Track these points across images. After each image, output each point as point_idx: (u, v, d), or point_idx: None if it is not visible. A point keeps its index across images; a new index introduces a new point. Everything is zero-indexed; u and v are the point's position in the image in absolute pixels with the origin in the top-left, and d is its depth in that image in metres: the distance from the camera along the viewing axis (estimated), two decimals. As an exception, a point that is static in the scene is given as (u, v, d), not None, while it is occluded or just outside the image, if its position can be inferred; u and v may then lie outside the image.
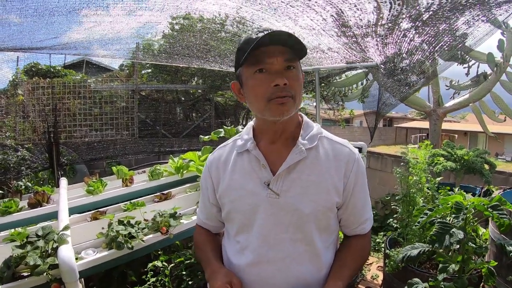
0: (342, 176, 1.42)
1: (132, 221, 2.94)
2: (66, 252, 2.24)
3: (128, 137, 9.37)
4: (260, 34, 1.26)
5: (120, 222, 2.86)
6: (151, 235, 2.86)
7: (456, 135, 28.08)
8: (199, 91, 11.03)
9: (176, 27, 6.78)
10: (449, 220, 2.31)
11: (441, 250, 2.32)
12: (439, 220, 2.25)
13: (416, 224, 2.48)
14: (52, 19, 3.60)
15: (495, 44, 7.65)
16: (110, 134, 9.23)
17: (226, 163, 1.53)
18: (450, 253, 2.53)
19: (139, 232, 2.80)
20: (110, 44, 5.07)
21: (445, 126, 29.47)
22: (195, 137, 9.52)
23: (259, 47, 1.27)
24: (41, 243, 2.32)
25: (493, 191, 5.89)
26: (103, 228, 2.85)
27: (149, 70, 11.53)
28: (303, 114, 1.55)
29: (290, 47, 1.30)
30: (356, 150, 1.49)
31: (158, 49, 6.79)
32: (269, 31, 1.27)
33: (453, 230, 2.16)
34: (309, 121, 1.52)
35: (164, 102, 10.56)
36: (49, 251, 2.35)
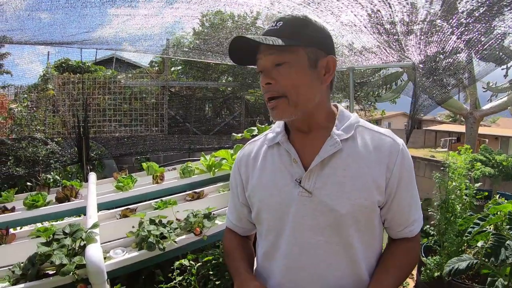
0: (384, 170, 1.24)
1: (164, 221, 2.84)
2: (94, 252, 2.15)
3: (157, 133, 9.38)
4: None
5: (152, 222, 2.76)
6: (183, 236, 2.75)
7: (487, 140, 27.48)
8: (229, 88, 11.00)
9: (206, 23, 6.74)
10: (502, 231, 2.16)
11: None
12: (493, 232, 2.09)
13: (467, 234, 2.31)
14: (85, 12, 3.55)
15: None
16: (139, 130, 9.27)
17: (256, 158, 1.41)
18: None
19: (171, 232, 2.70)
20: (142, 39, 5.05)
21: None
22: (224, 135, 9.50)
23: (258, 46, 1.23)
24: (68, 241, 2.24)
25: None
26: (133, 227, 2.76)
27: (179, 67, 11.57)
28: (338, 104, 1.41)
29: (282, 37, 1.18)
30: (401, 141, 1.32)
31: (189, 45, 6.76)
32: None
33: (508, 242, 2.00)
34: (345, 111, 1.37)
35: (194, 99, 10.56)
36: (77, 250, 2.27)
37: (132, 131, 9.15)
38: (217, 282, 3.14)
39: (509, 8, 2.84)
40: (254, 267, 1.51)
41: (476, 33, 3.41)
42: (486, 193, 5.15)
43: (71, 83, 8.51)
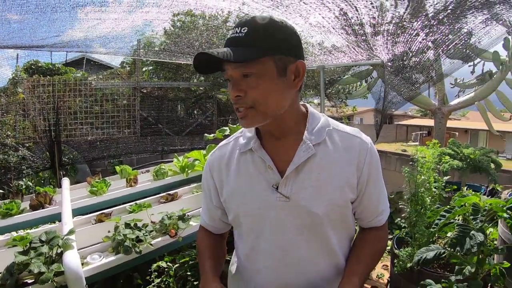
0: (355, 169, 1.32)
1: (139, 224, 2.87)
2: (72, 259, 2.17)
3: (130, 135, 9.28)
4: (229, 34, 1.22)
5: (127, 225, 2.78)
6: (159, 238, 2.78)
7: (457, 133, 28.18)
8: (201, 88, 10.95)
9: (178, 23, 6.71)
10: (469, 222, 2.26)
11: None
12: (459, 223, 2.19)
13: (434, 226, 2.40)
14: (55, 16, 3.52)
15: (501, 43, 7.59)
16: (112, 133, 9.16)
17: (228, 164, 1.43)
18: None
19: (147, 235, 2.72)
20: (113, 41, 5.01)
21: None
22: (197, 135, 9.47)
23: None
24: (45, 248, 2.24)
25: (498, 190, 5.91)
26: (109, 232, 2.78)
27: (150, 67, 11.45)
28: (307, 105, 1.43)
29: (247, 46, 1.17)
30: (369, 139, 1.39)
31: (160, 46, 6.73)
32: (230, 33, 1.21)
33: (472, 232, 2.10)
34: (315, 112, 1.40)
35: (166, 100, 10.48)
36: (54, 257, 2.28)
37: (105, 134, 9.03)
38: (195, 283, 3.17)
39: (471, 11, 2.96)
40: (231, 267, 1.59)
41: (441, 34, 3.53)
42: (455, 187, 5.31)
43: (41, 86, 8.34)
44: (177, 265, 3.28)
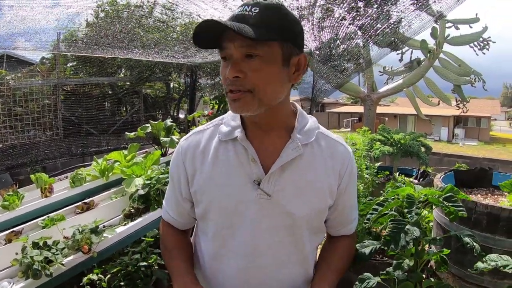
0: (337, 176, 1.33)
1: (50, 241, 2.56)
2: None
3: (51, 137, 8.69)
4: (236, 10, 1.13)
5: (35, 245, 2.48)
6: (71, 257, 2.49)
7: (387, 118, 29.45)
8: (127, 83, 10.53)
9: (101, 14, 6.32)
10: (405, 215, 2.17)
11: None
12: (392, 218, 2.07)
13: (366, 221, 2.30)
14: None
15: (429, 31, 7.99)
16: (32, 136, 8.53)
17: (204, 152, 1.33)
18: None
19: (58, 254, 2.43)
20: (35, 35, 4.65)
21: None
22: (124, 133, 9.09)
23: (223, 31, 1.11)
24: None
25: (429, 172, 6.19)
26: (17, 254, 2.45)
27: (74, 63, 10.83)
28: (295, 104, 1.41)
29: (257, 27, 1.07)
30: (350, 148, 1.41)
31: (82, 39, 6.32)
32: (234, 12, 1.12)
33: (407, 227, 2.00)
34: (303, 112, 1.39)
35: (90, 97, 9.98)
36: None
37: (25, 138, 8.39)
38: (130, 291, 3.01)
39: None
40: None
41: (369, 18, 3.47)
42: (388, 172, 5.40)
43: None
44: (109, 276, 3.12)
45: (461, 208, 2.07)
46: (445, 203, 2.12)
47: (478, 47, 7.93)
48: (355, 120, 35.26)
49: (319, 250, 1.55)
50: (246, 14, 1.09)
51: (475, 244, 2.09)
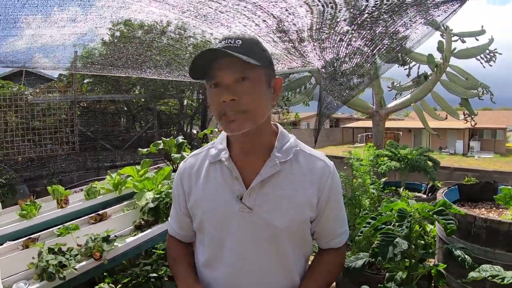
0: (316, 190, 1.40)
1: (64, 248, 2.73)
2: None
3: (68, 151, 8.92)
4: (219, 45, 1.27)
5: (50, 250, 2.65)
6: (84, 262, 2.65)
7: (401, 133, 29.13)
8: (142, 100, 10.74)
9: (117, 33, 6.52)
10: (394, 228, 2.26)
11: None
12: (382, 230, 2.18)
13: (359, 234, 2.40)
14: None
15: (435, 46, 7.94)
16: (49, 149, 8.77)
17: (198, 172, 1.49)
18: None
19: (71, 259, 2.59)
20: (50, 53, 4.83)
21: (390, 124, 30.61)
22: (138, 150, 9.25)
23: (213, 61, 1.26)
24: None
25: (438, 187, 6.12)
26: (33, 258, 2.62)
27: (90, 80, 11.10)
28: (278, 124, 1.53)
29: (244, 55, 1.22)
30: (332, 163, 1.48)
31: (97, 59, 6.51)
32: (217, 45, 1.27)
33: (396, 240, 2.10)
34: (284, 132, 1.49)
35: (106, 113, 10.20)
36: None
37: (42, 151, 8.63)
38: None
39: (389, 14, 3.02)
40: None
41: (364, 39, 3.58)
42: (394, 188, 5.43)
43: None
44: (119, 285, 3.20)
45: (451, 222, 2.16)
46: (435, 216, 2.22)
47: (485, 59, 7.91)
48: (369, 136, 34.94)
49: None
50: (232, 46, 1.24)
51: (466, 256, 2.17)
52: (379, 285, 2.28)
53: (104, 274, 3.28)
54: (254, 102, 1.27)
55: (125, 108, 10.91)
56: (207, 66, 1.27)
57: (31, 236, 3.07)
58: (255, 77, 1.27)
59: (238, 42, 1.25)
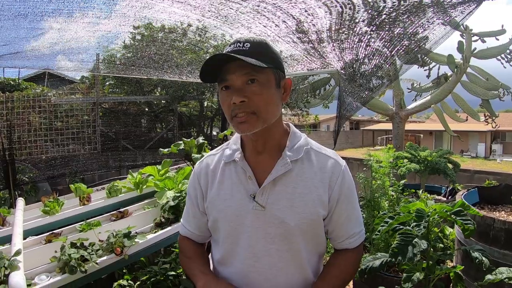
0: (327, 188, 1.42)
1: (86, 243, 2.79)
2: (17, 280, 2.12)
3: (90, 151, 9.08)
4: (228, 48, 1.33)
5: (73, 245, 2.70)
6: (105, 257, 2.71)
7: (422, 135, 28.78)
8: (163, 101, 10.85)
9: (138, 37, 6.64)
10: (412, 228, 2.25)
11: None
12: (401, 230, 2.18)
13: (376, 233, 2.41)
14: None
15: (455, 46, 7.84)
16: (72, 149, 8.94)
17: (214, 172, 1.53)
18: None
19: (92, 254, 2.65)
20: (73, 55, 4.93)
21: (411, 126, 30.27)
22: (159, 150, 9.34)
23: (223, 64, 1.30)
24: (-10, 271, 2.18)
25: (459, 190, 6.03)
26: (56, 252, 2.70)
27: (112, 82, 11.28)
28: (290, 124, 1.56)
29: (253, 57, 1.27)
30: (343, 162, 1.51)
31: (119, 60, 6.64)
32: (226, 49, 1.33)
33: (415, 240, 2.10)
34: (296, 131, 1.53)
35: (127, 114, 10.34)
36: (1, 278, 2.23)
37: (64, 151, 8.81)
38: (158, 301, 3.12)
39: (406, 15, 3.02)
40: None
41: (382, 40, 3.57)
42: (413, 190, 5.38)
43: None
44: (138, 283, 3.21)
45: (469, 222, 2.14)
46: (453, 217, 2.21)
47: (506, 59, 7.80)
48: (390, 138, 34.56)
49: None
50: (241, 49, 1.29)
51: (484, 258, 2.15)
52: (396, 286, 2.29)
53: (124, 271, 3.35)
54: (264, 103, 1.32)
55: (147, 109, 11.03)
56: (217, 70, 1.32)
57: (54, 231, 3.14)
58: (263, 78, 1.31)
59: (246, 45, 1.30)
